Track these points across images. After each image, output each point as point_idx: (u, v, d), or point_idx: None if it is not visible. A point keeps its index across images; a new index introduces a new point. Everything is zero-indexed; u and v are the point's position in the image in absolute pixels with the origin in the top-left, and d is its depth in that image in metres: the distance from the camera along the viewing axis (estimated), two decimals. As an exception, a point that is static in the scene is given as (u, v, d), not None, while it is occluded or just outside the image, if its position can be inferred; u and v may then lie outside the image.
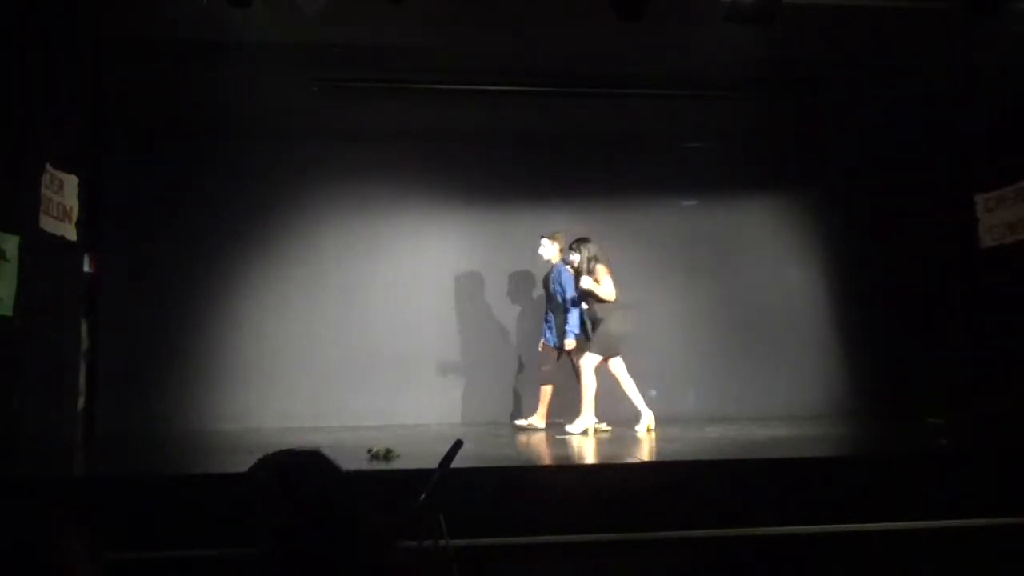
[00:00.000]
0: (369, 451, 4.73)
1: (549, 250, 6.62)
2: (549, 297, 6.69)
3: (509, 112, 7.03)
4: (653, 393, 7.77)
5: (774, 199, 8.20)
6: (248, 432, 6.59)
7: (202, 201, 7.32)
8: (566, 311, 6.38)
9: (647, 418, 6.20)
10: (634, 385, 6.25)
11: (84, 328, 6.52)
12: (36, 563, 1.07)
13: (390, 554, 1.33)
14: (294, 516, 1.31)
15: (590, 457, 5.17)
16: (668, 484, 4.04)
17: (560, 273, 6.50)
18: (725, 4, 4.90)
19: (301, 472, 1.40)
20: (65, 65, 5.67)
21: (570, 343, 6.32)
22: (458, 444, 2.61)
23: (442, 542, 2.57)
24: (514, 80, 6.42)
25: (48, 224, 5.66)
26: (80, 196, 6.08)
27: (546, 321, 6.68)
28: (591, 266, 6.16)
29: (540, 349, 6.76)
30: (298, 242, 7.24)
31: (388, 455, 4.65)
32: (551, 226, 7.59)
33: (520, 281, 7.78)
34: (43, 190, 5.59)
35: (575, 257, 6.24)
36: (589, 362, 6.10)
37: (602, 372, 6.23)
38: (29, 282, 5.26)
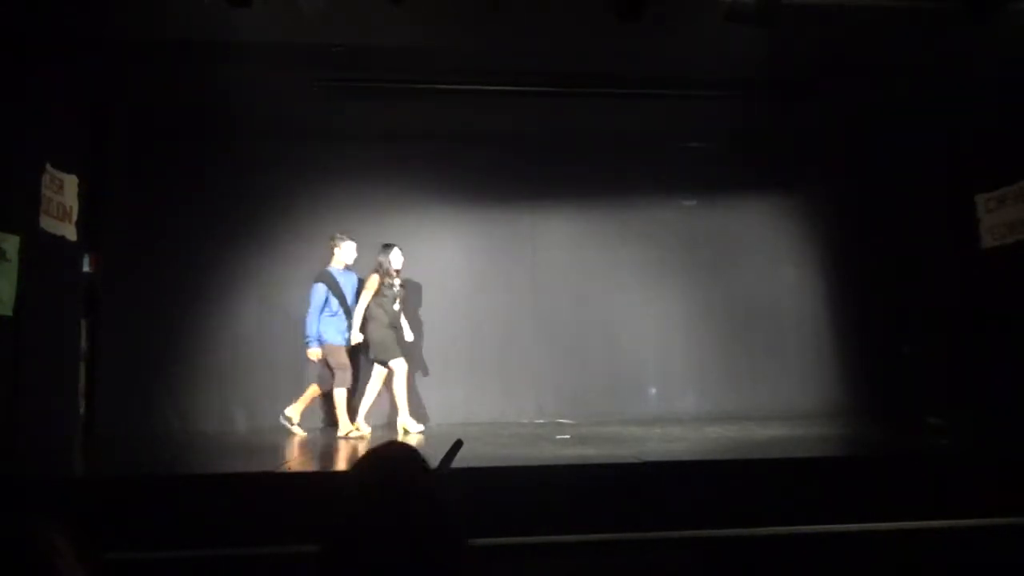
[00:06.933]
0: None
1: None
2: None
3: (509, 112, 7.03)
4: (653, 392, 7.79)
5: (774, 199, 8.20)
6: (249, 432, 6.60)
7: (202, 201, 7.32)
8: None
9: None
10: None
11: (84, 328, 6.52)
12: (19, 562, 1.06)
13: (465, 554, 1.28)
14: (390, 513, 1.25)
15: (590, 456, 5.15)
16: (668, 484, 4.04)
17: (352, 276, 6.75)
18: (725, 4, 4.90)
19: (403, 469, 1.34)
20: (66, 65, 5.68)
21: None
22: (458, 444, 2.61)
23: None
24: (514, 80, 6.43)
25: (48, 224, 5.66)
26: (80, 196, 6.08)
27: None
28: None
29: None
30: (298, 242, 7.23)
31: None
32: (551, 226, 7.59)
33: (520, 281, 7.77)
34: (43, 190, 5.59)
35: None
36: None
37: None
38: (29, 282, 5.26)
